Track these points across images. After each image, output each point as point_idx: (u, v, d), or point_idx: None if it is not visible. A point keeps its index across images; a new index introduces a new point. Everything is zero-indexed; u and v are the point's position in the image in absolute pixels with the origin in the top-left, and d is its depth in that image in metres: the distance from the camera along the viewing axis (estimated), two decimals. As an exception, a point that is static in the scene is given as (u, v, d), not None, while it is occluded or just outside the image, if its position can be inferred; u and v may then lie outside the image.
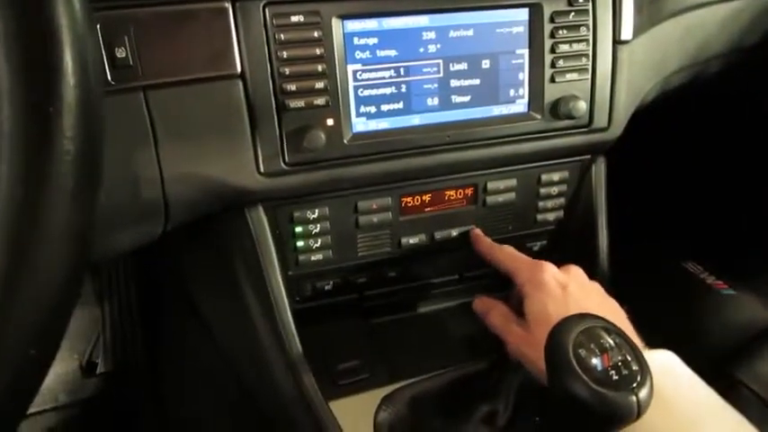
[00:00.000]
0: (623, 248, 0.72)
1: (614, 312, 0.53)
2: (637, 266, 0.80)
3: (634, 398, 0.35)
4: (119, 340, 1.03)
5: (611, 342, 0.37)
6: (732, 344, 0.70)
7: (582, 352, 0.37)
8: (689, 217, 0.97)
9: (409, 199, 0.62)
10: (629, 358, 0.37)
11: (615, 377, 0.36)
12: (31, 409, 0.93)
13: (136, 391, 1.00)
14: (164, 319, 0.98)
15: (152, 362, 1.00)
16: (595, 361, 0.36)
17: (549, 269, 0.54)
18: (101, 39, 0.45)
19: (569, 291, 0.51)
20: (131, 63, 0.46)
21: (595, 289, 0.55)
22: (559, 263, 0.71)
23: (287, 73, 0.51)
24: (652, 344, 0.70)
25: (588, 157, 0.67)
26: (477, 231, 0.64)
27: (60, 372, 0.98)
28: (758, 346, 0.69)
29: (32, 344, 0.25)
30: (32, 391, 0.28)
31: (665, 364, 0.44)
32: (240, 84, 0.50)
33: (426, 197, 0.62)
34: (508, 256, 0.59)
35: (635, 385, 0.35)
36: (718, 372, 0.67)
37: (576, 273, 0.56)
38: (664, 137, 0.97)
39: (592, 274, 0.68)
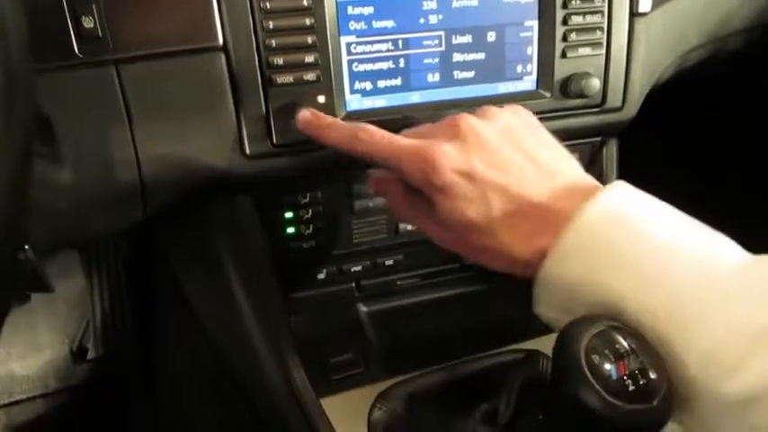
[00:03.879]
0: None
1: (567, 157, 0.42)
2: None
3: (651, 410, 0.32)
4: (109, 325, 1.02)
5: (627, 346, 0.33)
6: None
7: (595, 358, 0.33)
8: (700, 201, 0.94)
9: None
10: (647, 365, 0.33)
11: (632, 387, 0.32)
12: (21, 396, 0.92)
13: (127, 377, 0.98)
14: (155, 304, 0.96)
15: (144, 347, 0.98)
16: (610, 368, 0.33)
17: (442, 158, 0.38)
18: (65, 6, 0.41)
19: (478, 178, 0.38)
20: (100, 34, 0.42)
21: (532, 146, 0.41)
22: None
23: (273, 45, 0.47)
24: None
25: (599, 138, 0.63)
26: (305, 115, 0.47)
27: (50, 358, 0.96)
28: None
29: None
30: None
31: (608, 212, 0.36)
32: (222, 57, 0.46)
33: None
34: (380, 146, 0.42)
35: (656, 398, 0.32)
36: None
37: (473, 137, 0.40)
38: (676, 118, 0.93)
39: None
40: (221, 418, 0.72)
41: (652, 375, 0.33)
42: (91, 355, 0.97)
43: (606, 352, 0.33)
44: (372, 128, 0.42)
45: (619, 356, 0.33)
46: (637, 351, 0.33)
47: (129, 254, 1.03)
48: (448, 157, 0.39)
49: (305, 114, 0.46)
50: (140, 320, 0.99)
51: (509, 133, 0.41)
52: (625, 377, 0.32)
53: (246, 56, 0.47)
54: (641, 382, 0.32)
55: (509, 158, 0.39)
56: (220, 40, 0.46)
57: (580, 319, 0.36)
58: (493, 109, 0.42)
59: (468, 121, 0.40)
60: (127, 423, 0.96)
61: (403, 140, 0.41)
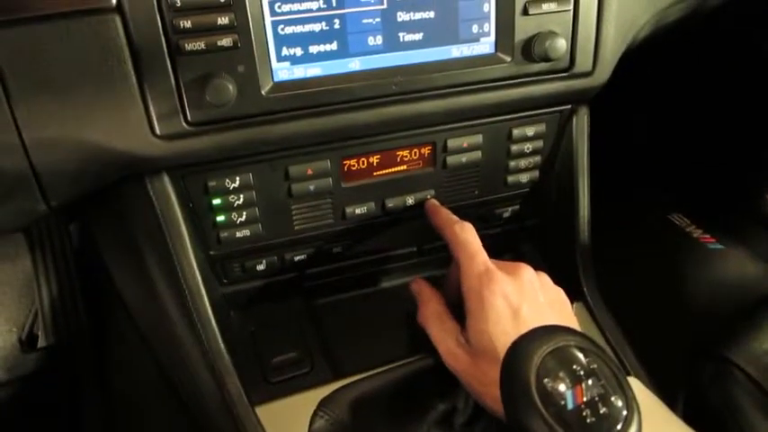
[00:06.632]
0: (604, 201, 0.65)
1: None
2: (619, 220, 0.76)
3: (616, 446, 0.26)
4: (60, 313, 0.97)
5: (588, 367, 0.28)
6: (720, 305, 0.66)
7: (548, 383, 0.27)
8: (676, 167, 0.91)
9: (353, 162, 0.51)
10: (610, 390, 0.27)
11: (591, 419, 0.27)
12: (-33, 388, 0.88)
13: (79, 366, 0.93)
14: (107, 289, 0.91)
15: (97, 335, 0.93)
16: (565, 394, 0.27)
17: (500, 285, 0.44)
18: None
19: (521, 317, 0.41)
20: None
21: (551, 301, 0.47)
22: (531, 230, 0.62)
23: (178, 4, 0.39)
24: (636, 304, 0.64)
25: (568, 107, 0.57)
26: (433, 203, 0.54)
27: (-3, 347, 0.92)
28: (752, 320, 0.64)
29: None
30: None
31: None
32: (118, 20, 0.39)
33: (374, 159, 0.52)
34: (461, 244, 0.48)
35: (619, 428, 0.26)
36: (709, 352, 0.61)
37: (529, 286, 0.46)
38: (651, 79, 0.89)
39: (569, 242, 0.60)
40: (169, 417, 0.67)
41: (616, 402, 0.27)
42: (41, 343, 0.93)
43: (562, 374, 0.28)
44: (467, 228, 0.49)
45: (576, 380, 0.28)
46: (598, 373, 0.28)
47: (79, 238, 0.97)
48: (505, 285, 0.44)
49: (434, 203, 0.55)
50: (95, 308, 0.94)
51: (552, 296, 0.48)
52: (582, 406, 0.27)
53: (146, 18, 0.39)
54: (602, 412, 0.27)
55: (546, 314, 0.44)
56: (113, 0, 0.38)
57: (533, 332, 0.30)
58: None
59: (530, 269, 0.47)
60: (79, 415, 0.92)
61: (479, 254, 0.47)
